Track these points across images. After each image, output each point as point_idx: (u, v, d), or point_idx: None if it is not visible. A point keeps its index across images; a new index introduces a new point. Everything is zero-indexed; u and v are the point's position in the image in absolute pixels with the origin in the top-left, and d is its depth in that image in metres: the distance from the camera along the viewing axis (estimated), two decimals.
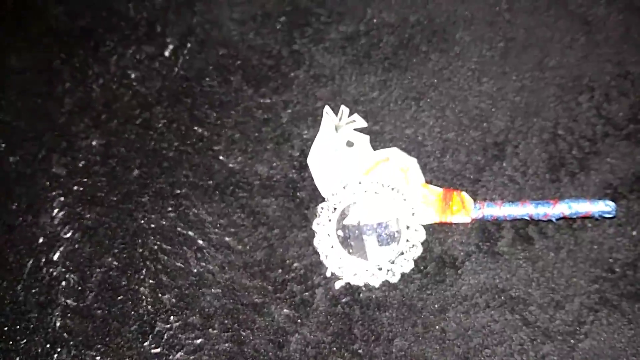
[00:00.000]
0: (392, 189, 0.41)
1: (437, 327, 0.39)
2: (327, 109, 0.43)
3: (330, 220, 0.40)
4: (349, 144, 0.43)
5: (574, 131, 0.47)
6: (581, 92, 0.49)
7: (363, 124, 0.44)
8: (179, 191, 0.43)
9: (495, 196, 0.43)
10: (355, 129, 0.44)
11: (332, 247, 0.40)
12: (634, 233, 0.43)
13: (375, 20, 0.50)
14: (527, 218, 0.41)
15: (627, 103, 0.49)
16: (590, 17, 0.53)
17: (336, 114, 0.44)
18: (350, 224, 0.40)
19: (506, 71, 0.49)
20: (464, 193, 0.41)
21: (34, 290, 0.41)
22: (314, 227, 0.40)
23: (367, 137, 0.43)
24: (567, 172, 0.45)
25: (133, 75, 0.49)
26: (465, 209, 0.41)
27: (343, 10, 0.51)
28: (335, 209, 0.41)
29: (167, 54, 0.50)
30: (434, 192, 0.41)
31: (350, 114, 0.44)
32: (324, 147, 0.43)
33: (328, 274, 0.40)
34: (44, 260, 0.41)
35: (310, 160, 0.43)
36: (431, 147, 0.45)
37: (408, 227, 0.40)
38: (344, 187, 0.41)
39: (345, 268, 0.39)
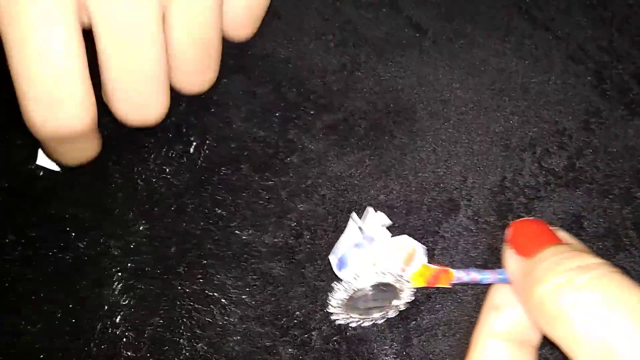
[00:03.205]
0: (398, 277, 0.45)
1: (404, 352, 0.48)
2: (353, 215, 0.46)
3: (344, 300, 0.47)
4: (369, 238, 0.46)
5: (519, 183, 0.56)
6: (524, 149, 0.58)
7: (387, 221, 0.48)
8: (205, 261, 0.54)
9: (452, 247, 0.53)
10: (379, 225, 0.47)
11: (343, 313, 0.47)
12: None
13: (350, 109, 0.61)
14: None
15: (565, 155, 0.57)
16: (530, 85, 0.62)
17: (360, 215, 0.48)
18: (360, 299, 0.46)
19: (458, 139, 0.58)
20: (451, 270, 0.44)
21: (103, 347, 0.52)
22: (331, 301, 0.45)
23: (388, 234, 0.46)
24: (514, 217, 0.54)
25: (167, 170, 0.61)
26: (448, 279, 0.44)
27: (325, 102, 0.61)
28: (346, 290, 0.47)
29: (191, 150, 0.62)
30: (429, 269, 0.45)
31: (344, 192, 0.55)
32: (347, 246, 0.46)
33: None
34: (109, 323, 0.53)
35: (332, 258, 0.47)
36: (398, 209, 0.55)
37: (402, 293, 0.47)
38: (357, 276, 0.45)
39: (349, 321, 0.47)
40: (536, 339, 0.37)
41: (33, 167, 0.65)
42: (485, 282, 0.43)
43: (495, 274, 0.43)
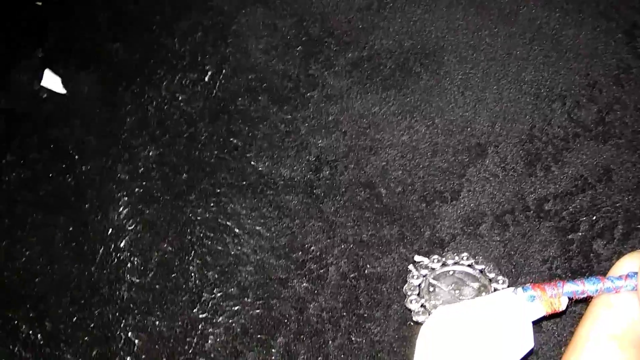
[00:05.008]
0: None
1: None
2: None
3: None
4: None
5: (548, 133, 0.52)
6: (554, 100, 0.54)
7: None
8: (219, 190, 0.50)
9: (479, 192, 0.49)
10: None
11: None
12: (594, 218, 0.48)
13: (375, 47, 0.56)
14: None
15: (595, 109, 0.54)
16: (561, 37, 0.58)
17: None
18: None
19: (487, 85, 0.54)
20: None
21: (105, 271, 0.48)
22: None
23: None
24: (542, 166, 0.51)
25: (180, 98, 0.56)
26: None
27: (349, 39, 0.57)
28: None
29: (206, 79, 0.57)
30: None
31: (363, 132, 0.50)
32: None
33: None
34: (112, 247, 0.48)
35: None
36: (423, 150, 0.51)
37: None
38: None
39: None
40: None
41: (37, 88, 0.60)
42: (595, 293, 0.32)
43: (606, 282, 0.32)
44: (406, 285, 0.43)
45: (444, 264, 0.44)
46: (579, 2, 0.60)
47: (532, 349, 0.33)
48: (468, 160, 0.50)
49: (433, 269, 0.44)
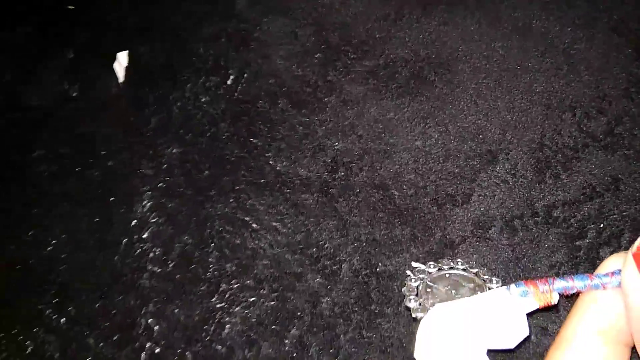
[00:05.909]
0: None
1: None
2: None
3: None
4: None
5: (558, 142, 0.53)
6: (564, 111, 0.55)
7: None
8: (238, 187, 0.51)
9: (489, 196, 0.50)
10: None
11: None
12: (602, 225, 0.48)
13: (392, 56, 0.58)
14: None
15: (605, 120, 0.55)
16: (573, 51, 0.59)
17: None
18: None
19: (499, 95, 0.55)
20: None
21: (127, 260, 0.49)
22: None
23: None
24: (551, 174, 0.51)
25: (203, 99, 0.58)
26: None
27: (367, 48, 0.59)
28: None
29: (229, 82, 0.59)
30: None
31: (374, 132, 0.51)
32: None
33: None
34: (136, 237, 0.50)
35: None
36: (436, 155, 0.52)
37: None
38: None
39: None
40: (632, 341, 0.33)
41: (67, 87, 0.62)
42: (584, 289, 0.33)
43: (594, 279, 0.33)
44: (404, 287, 0.44)
45: (439, 269, 0.45)
46: (591, 17, 0.62)
47: (529, 336, 0.34)
48: (479, 166, 0.51)
49: (430, 273, 0.45)
